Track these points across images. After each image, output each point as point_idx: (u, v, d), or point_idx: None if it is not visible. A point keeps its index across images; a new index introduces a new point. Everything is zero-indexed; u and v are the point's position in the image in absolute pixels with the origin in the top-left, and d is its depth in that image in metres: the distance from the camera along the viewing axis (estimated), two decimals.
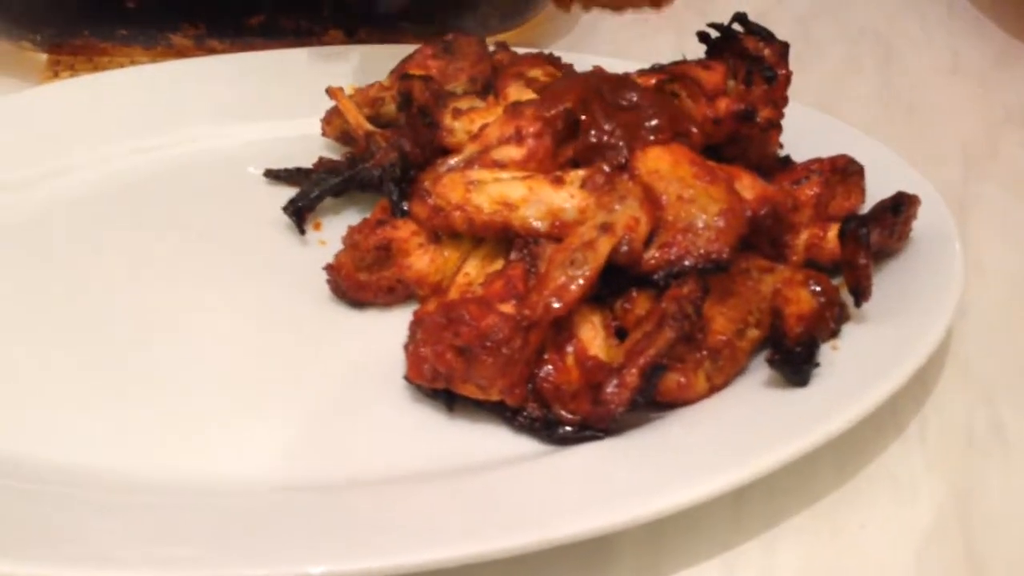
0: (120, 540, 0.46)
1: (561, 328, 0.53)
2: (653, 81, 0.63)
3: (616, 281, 0.54)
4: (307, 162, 0.69)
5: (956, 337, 0.60)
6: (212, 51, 0.79)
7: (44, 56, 0.81)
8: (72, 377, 0.56)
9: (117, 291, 0.61)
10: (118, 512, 0.48)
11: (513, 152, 0.59)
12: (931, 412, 0.57)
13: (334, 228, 0.64)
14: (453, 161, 0.60)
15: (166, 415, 0.54)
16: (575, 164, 0.59)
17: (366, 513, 0.48)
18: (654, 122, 0.58)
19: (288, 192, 0.66)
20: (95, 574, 0.44)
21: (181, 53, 0.79)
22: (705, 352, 0.53)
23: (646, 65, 0.66)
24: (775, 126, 0.63)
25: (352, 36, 0.80)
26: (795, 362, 0.53)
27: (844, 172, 0.63)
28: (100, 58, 0.80)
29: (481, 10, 0.81)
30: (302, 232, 0.65)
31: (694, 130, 0.59)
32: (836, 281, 0.57)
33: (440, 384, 0.53)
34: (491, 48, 0.71)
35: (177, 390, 0.55)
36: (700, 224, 0.55)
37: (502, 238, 0.58)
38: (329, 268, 0.61)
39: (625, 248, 0.54)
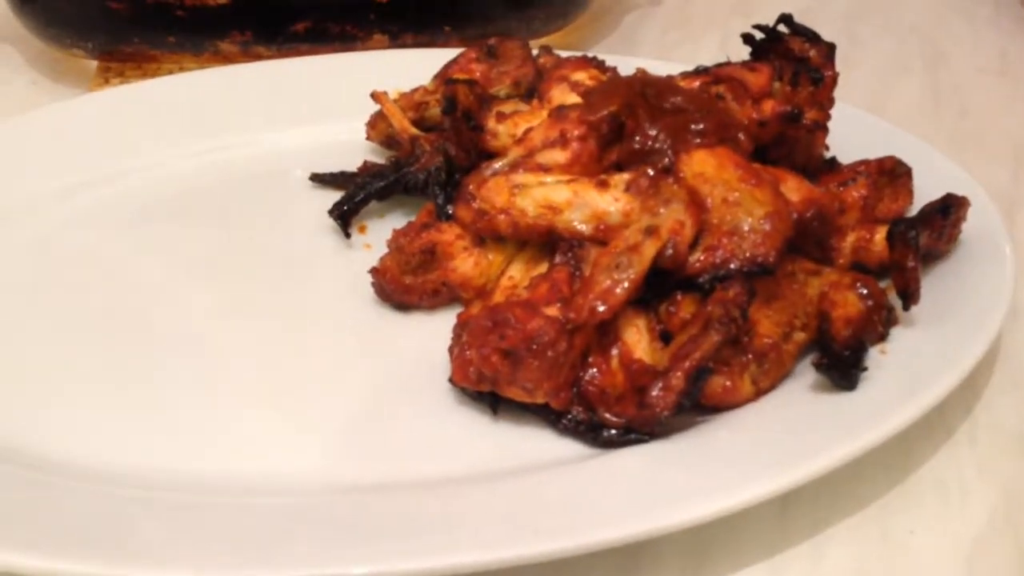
0: (165, 539, 0.47)
1: (606, 331, 0.53)
2: (697, 83, 0.63)
3: (661, 284, 0.54)
4: (352, 166, 0.70)
5: (1006, 340, 0.60)
6: (259, 57, 0.80)
7: (95, 63, 0.82)
8: (119, 377, 0.57)
9: (166, 293, 0.62)
10: (164, 511, 0.49)
11: (557, 156, 0.59)
12: (981, 415, 0.56)
13: (379, 231, 0.64)
14: (498, 165, 0.60)
15: (212, 415, 0.55)
16: (619, 168, 0.59)
17: (410, 515, 0.48)
18: (700, 126, 0.57)
19: (333, 196, 0.67)
20: (139, 572, 0.44)
21: (228, 59, 0.80)
22: (751, 355, 0.53)
23: (690, 67, 0.66)
24: (821, 127, 0.63)
25: (396, 40, 0.80)
26: (843, 366, 0.52)
27: (892, 174, 0.62)
28: (149, 65, 0.82)
29: (524, 13, 0.81)
30: (347, 235, 0.66)
31: (742, 137, 0.58)
32: (884, 284, 0.57)
33: (485, 387, 0.53)
34: (535, 51, 0.71)
35: (223, 391, 0.56)
36: (746, 227, 0.54)
37: (546, 242, 0.58)
38: (374, 271, 0.61)
39: (670, 251, 0.54)
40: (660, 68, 0.67)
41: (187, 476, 0.51)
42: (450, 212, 0.61)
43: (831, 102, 0.64)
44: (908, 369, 0.53)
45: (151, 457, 0.52)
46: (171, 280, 0.63)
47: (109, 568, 0.44)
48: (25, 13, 0.80)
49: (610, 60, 0.69)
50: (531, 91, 0.68)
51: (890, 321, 0.56)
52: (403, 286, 0.60)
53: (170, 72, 0.80)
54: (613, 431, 0.52)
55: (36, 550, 0.45)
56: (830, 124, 0.64)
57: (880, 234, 0.58)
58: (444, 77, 0.70)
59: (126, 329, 0.60)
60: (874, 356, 0.54)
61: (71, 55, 0.82)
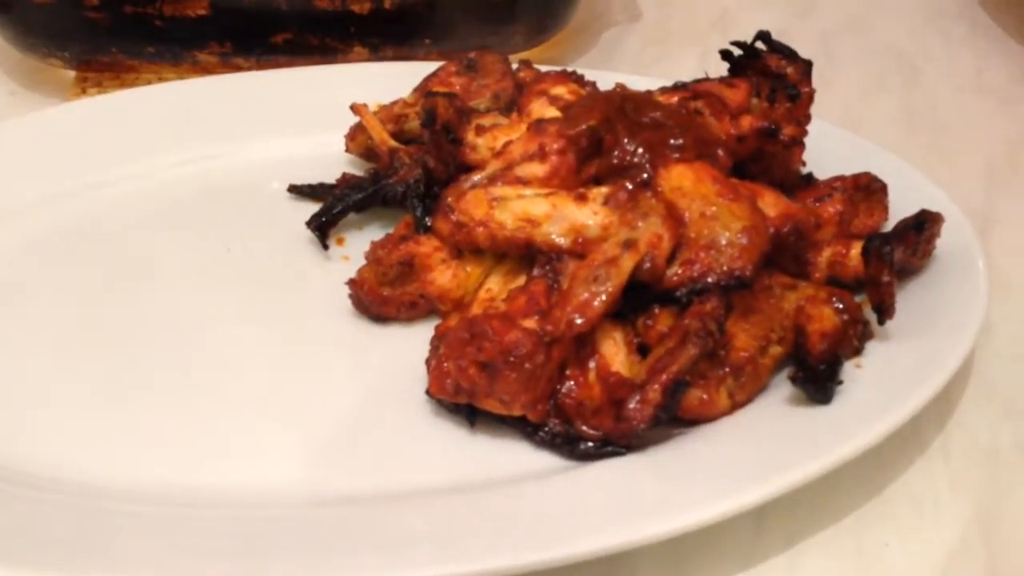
0: (146, 552, 0.47)
1: (583, 344, 0.53)
2: (676, 99, 0.63)
3: (638, 298, 0.54)
4: (330, 178, 0.69)
5: (980, 354, 0.60)
6: (238, 68, 0.80)
7: (72, 73, 0.82)
8: (97, 390, 0.56)
9: (143, 305, 0.62)
10: (144, 524, 0.48)
11: (536, 169, 0.59)
12: (954, 429, 0.57)
13: (357, 243, 0.64)
14: (476, 177, 0.61)
15: (188, 428, 0.54)
16: (598, 181, 0.59)
17: (385, 527, 0.48)
18: (679, 141, 0.58)
19: (311, 207, 0.67)
20: None
21: (207, 70, 0.80)
22: (727, 369, 0.53)
23: (669, 83, 0.66)
24: (798, 143, 0.64)
25: (376, 53, 0.80)
26: (818, 380, 0.53)
27: (867, 190, 0.63)
28: (127, 75, 0.81)
29: (504, 28, 0.81)
30: (325, 247, 0.65)
31: (721, 153, 0.58)
32: (859, 299, 0.57)
33: (462, 399, 0.53)
34: (515, 65, 0.72)
35: (200, 404, 0.56)
36: (723, 241, 0.55)
37: (525, 254, 0.58)
38: (352, 283, 0.61)
39: (648, 265, 0.54)
40: (639, 83, 0.67)
41: (165, 488, 0.51)
42: (428, 224, 0.61)
43: (808, 118, 0.65)
44: (883, 383, 0.53)
45: (128, 470, 0.52)
46: (146, 292, 0.63)
47: None
48: (2, 23, 0.79)
49: (589, 75, 0.70)
50: (511, 105, 0.68)
51: (865, 335, 0.56)
52: (381, 298, 0.60)
53: (148, 82, 0.80)
54: (590, 443, 0.52)
55: (21, 564, 0.45)
56: (807, 140, 0.64)
57: (856, 249, 0.59)
58: (424, 90, 0.70)
59: (100, 342, 0.59)
60: (849, 370, 0.54)
61: (49, 65, 0.82)
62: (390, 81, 0.73)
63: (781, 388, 0.54)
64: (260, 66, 0.80)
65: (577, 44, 0.89)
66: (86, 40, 0.79)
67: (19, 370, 0.57)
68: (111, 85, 0.81)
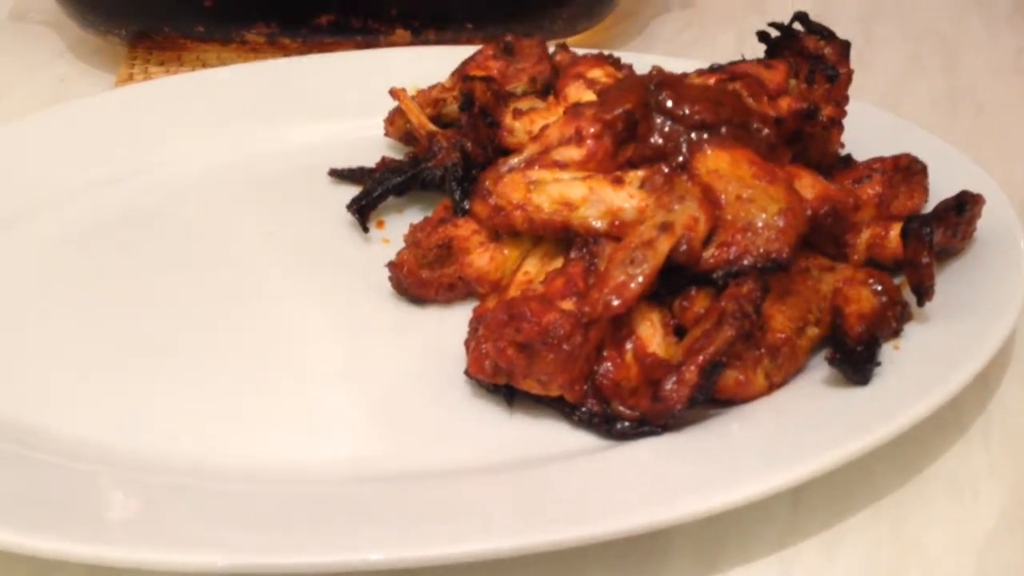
0: (189, 524, 0.48)
1: (620, 326, 0.53)
2: (713, 81, 0.63)
3: (675, 280, 0.55)
4: (370, 162, 0.70)
5: (1020, 337, 0.60)
6: (284, 48, 0.83)
7: (124, 49, 0.85)
8: (142, 365, 0.57)
9: (186, 288, 0.63)
10: (187, 497, 0.49)
11: (573, 152, 0.60)
12: (995, 412, 0.56)
13: (397, 226, 0.65)
14: (514, 161, 0.61)
15: (228, 406, 0.55)
16: (634, 165, 0.59)
17: (426, 504, 0.49)
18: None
19: (351, 191, 0.68)
20: (162, 557, 0.45)
21: (255, 50, 0.83)
22: (764, 350, 0.53)
23: (705, 65, 0.66)
24: (837, 124, 0.63)
25: (418, 36, 0.82)
26: (856, 361, 0.52)
27: (907, 171, 0.63)
28: (172, 63, 0.84)
29: (549, 13, 0.82)
30: (365, 230, 0.66)
31: (765, 131, 0.58)
32: (898, 281, 0.57)
33: (501, 380, 0.53)
34: (551, 49, 0.72)
35: (243, 384, 0.56)
36: (760, 223, 0.55)
37: (561, 237, 0.58)
38: (391, 265, 0.62)
39: (684, 247, 0.54)
40: (676, 65, 0.67)
41: (206, 463, 0.52)
42: (466, 207, 0.62)
43: (846, 99, 0.64)
44: (921, 365, 0.53)
45: (172, 445, 0.53)
46: (190, 274, 0.64)
47: (141, 553, 0.45)
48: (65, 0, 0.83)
49: (626, 58, 0.70)
50: (547, 88, 0.69)
51: (904, 317, 0.56)
52: (420, 280, 0.61)
53: (192, 68, 0.82)
54: (627, 423, 0.52)
55: (68, 538, 0.46)
56: (845, 121, 0.64)
57: (895, 231, 0.58)
58: (461, 74, 0.70)
59: (145, 322, 0.60)
60: (887, 352, 0.54)
61: (108, 41, 0.85)
62: (428, 66, 0.73)
63: (818, 370, 0.54)
64: (305, 47, 0.82)
65: (619, 32, 0.89)
66: (139, 18, 0.82)
67: (68, 347, 0.59)
68: (156, 72, 0.83)
